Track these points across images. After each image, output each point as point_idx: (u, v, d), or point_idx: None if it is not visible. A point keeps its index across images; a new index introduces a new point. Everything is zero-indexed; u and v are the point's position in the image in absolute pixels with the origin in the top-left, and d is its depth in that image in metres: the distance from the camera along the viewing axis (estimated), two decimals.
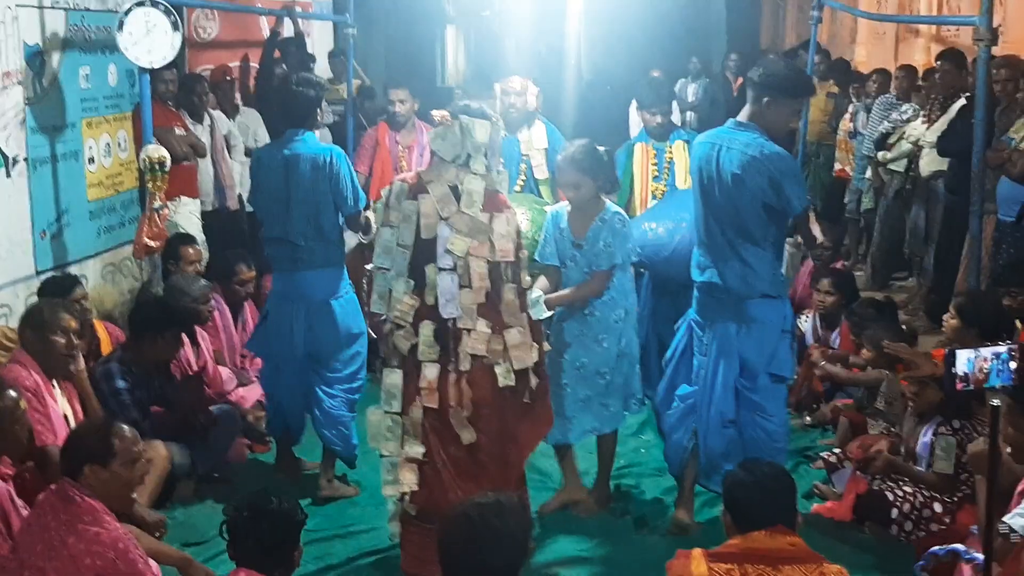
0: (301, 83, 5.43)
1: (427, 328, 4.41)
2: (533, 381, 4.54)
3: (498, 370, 4.43)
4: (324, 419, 5.42)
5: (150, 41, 6.10)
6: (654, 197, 6.46)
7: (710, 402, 4.83)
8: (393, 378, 4.48)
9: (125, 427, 3.80)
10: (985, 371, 2.85)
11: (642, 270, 6.70)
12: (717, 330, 4.81)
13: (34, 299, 5.90)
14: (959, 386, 2.84)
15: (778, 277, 4.84)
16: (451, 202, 4.38)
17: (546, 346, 4.72)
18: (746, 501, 3.31)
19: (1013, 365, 2.88)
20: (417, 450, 4.45)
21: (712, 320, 4.83)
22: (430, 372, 4.42)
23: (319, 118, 5.38)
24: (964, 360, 2.87)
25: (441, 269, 4.38)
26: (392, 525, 4.64)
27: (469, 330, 4.40)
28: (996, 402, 2.85)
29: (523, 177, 6.81)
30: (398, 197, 4.47)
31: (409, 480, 4.47)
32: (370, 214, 6.25)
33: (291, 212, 5.25)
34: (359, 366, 5.54)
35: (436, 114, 4.63)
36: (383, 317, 4.55)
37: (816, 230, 4.97)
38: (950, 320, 5.38)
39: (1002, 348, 2.90)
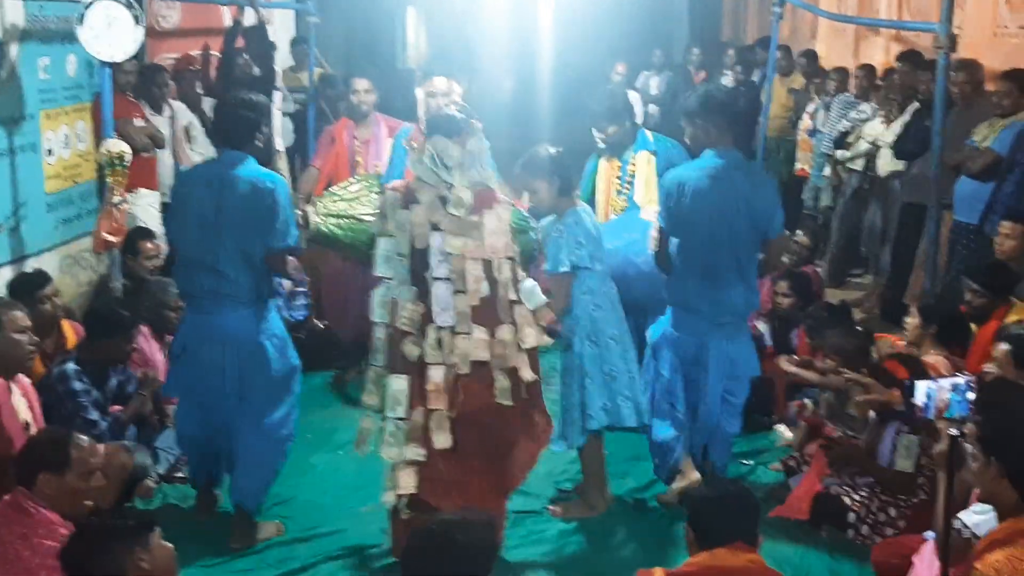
0: (241, 104, 4.92)
1: (433, 332, 4.47)
2: (527, 375, 4.57)
3: (497, 385, 4.49)
4: (247, 468, 4.92)
5: (111, 35, 6.05)
6: (615, 213, 6.41)
7: (710, 413, 5.14)
8: (399, 384, 4.50)
9: (84, 438, 3.78)
10: (945, 402, 2.91)
11: None
12: (712, 348, 5.04)
13: None
14: (918, 413, 2.90)
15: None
16: (440, 208, 4.45)
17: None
18: (710, 517, 3.36)
19: (971, 396, 2.94)
20: (419, 452, 4.48)
21: (705, 339, 5.05)
22: (436, 374, 4.46)
23: (258, 142, 4.92)
24: (923, 391, 2.92)
25: (436, 279, 4.43)
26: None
27: (466, 334, 4.44)
28: (953, 431, 2.90)
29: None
30: (392, 208, 4.52)
31: (407, 484, 4.49)
32: (309, 208, 6.25)
33: (222, 240, 4.72)
34: (291, 407, 5.01)
35: (412, 138, 4.68)
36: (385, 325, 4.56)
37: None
38: (911, 320, 5.52)
39: (961, 379, 2.95)
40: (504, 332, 4.51)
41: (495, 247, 4.48)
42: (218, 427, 4.95)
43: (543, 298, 4.67)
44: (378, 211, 4.68)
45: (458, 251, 4.41)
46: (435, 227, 4.44)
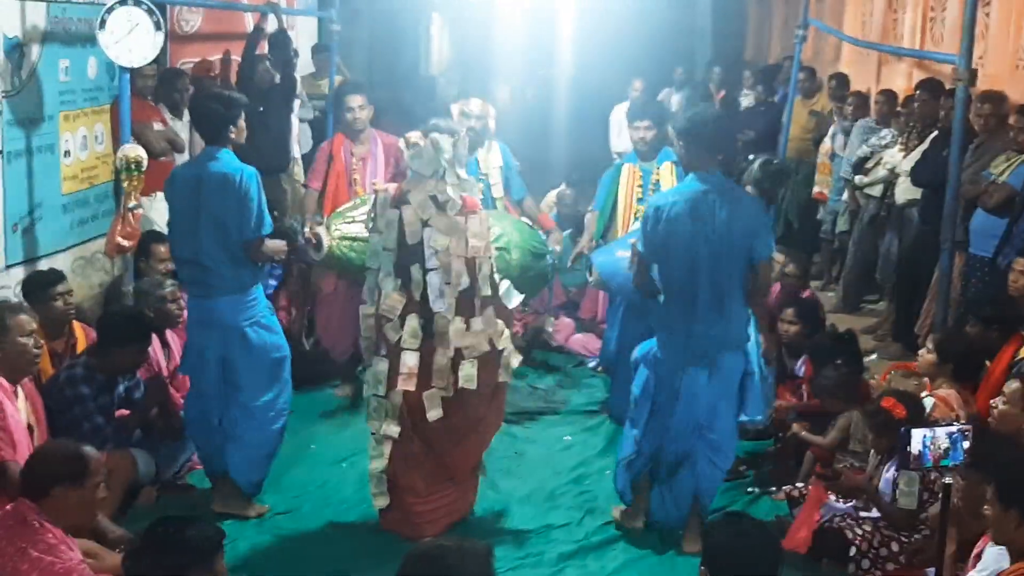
0: (211, 99, 5.22)
1: (412, 320, 4.89)
2: (502, 375, 5.08)
3: (462, 372, 4.89)
4: (235, 444, 5.23)
5: (131, 40, 6.09)
6: (636, 219, 6.50)
7: (676, 444, 5.07)
8: (381, 365, 4.99)
9: (91, 449, 3.82)
10: (942, 449, 2.88)
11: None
12: (686, 376, 4.96)
13: (3, 293, 5.88)
14: (913, 462, 2.87)
15: (748, 325, 5.02)
16: (430, 207, 4.88)
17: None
18: (732, 564, 3.15)
19: (966, 444, 2.92)
20: (393, 429, 4.96)
21: (682, 367, 4.97)
22: (411, 359, 4.91)
23: (232, 135, 5.10)
24: (919, 439, 2.90)
25: (429, 269, 4.86)
26: (378, 500, 5.08)
27: (447, 320, 4.87)
28: (948, 480, 2.88)
29: (481, 196, 6.81)
30: (382, 206, 4.98)
31: (384, 454, 5.00)
32: (321, 230, 6.27)
33: (200, 232, 5.03)
34: (279, 392, 5.30)
35: (410, 136, 4.97)
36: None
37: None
38: (926, 355, 5.47)
39: (954, 428, 2.93)
40: (477, 323, 4.95)
41: (476, 248, 4.92)
42: (215, 411, 5.23)
43: (519, 297, 5.17)
44: (371, 211, 5.09)
45: (443, 248, 4.84)
46: (425, 224, 4.87)
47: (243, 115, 5.18)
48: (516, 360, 5.14)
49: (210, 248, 5.02)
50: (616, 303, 6.72)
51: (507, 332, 5.10)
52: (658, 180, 6.55)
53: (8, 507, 3.63)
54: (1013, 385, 4.71)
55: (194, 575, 3.27)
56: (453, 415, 4.98)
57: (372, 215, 5.07)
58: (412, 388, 4.90)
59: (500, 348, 5.05)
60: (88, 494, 3.73)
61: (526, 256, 6.27)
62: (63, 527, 3.63)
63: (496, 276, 5.10)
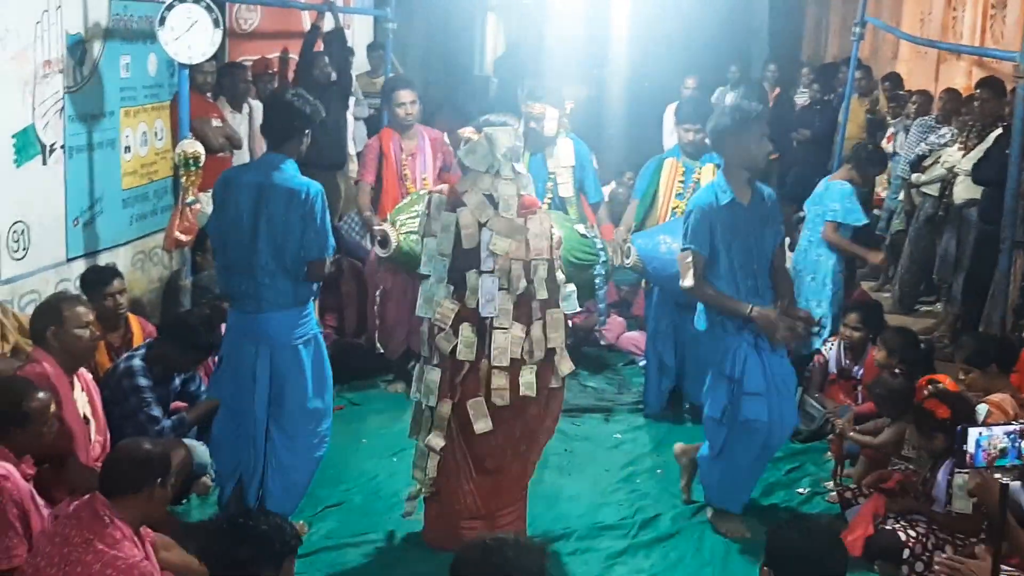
0: (298, 97, 4.82)
1: (466, 330, 4.66)
2: (565, 368, 4.81)
3: (522, 380, 4.67)
4: (276, 472, 4.93)
5: (191, 37, 6.14)
6: (673, 214, 6.49)
7: None
8: (433, 375, 4.76)
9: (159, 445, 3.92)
10: (999, 448, 2.84)
11: (652, 285, 6.76)
12: None
13: (64, 285, 6.00)
14: (968, 461, 2.84)
15: (713, 318, 5.08)
16: (488, 207, 4.64)
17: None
18: (797, 567, 3.04)
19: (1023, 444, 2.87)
20: (438, 442, 4.75)
21: None
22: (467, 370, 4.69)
23: (302, 145, 4.82)
24: (974, 438, 2.86)
25: (483, 272, 4.63)
26: (408, 504, 4.96)
27: (504, 329, 4.64)
28: (1005, 479, 2.84)
29: (550, 195, 6.77)
30: (437, 208, 4.74)
31: (431, 467, 4.80)
32: (387, 227, 6.28)
33: (257, 245, 4.69)
34: (324, 416, 5.01)
35: (463, 132, 4.79)
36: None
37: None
38: (967, 374, 5.36)
39: (1014, 427, 2.89)
40: (537, 329, 4.71)
41: (538, 249, 4.68)
42: (250, 435, 4.91)
43: (576, 306, 4.94)
44: (424, 213, 4.86)
45: (503, 252, 4.61)
46: (483, 226, 4.64)
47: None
48: (568, 367, 4.84)
49: (267, 262, 4.70)
50: (653, 296, 6.73)
51: (561, 336, 4.83)
52: (699, 179, 6.51)
53: (86, 498, 3.65)
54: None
55: (262, 572, 3.21)
56: (512, 424, 4.77)
57: (426, 218, 4.81)
58: (480, 397, 4.72)
59: (553, 351, 4.80)
60: (166, 494, 3.78)
61: (567, 266, 5.97)
62: (134, 524, 3.66)
63: (560, 277, 4.85)
